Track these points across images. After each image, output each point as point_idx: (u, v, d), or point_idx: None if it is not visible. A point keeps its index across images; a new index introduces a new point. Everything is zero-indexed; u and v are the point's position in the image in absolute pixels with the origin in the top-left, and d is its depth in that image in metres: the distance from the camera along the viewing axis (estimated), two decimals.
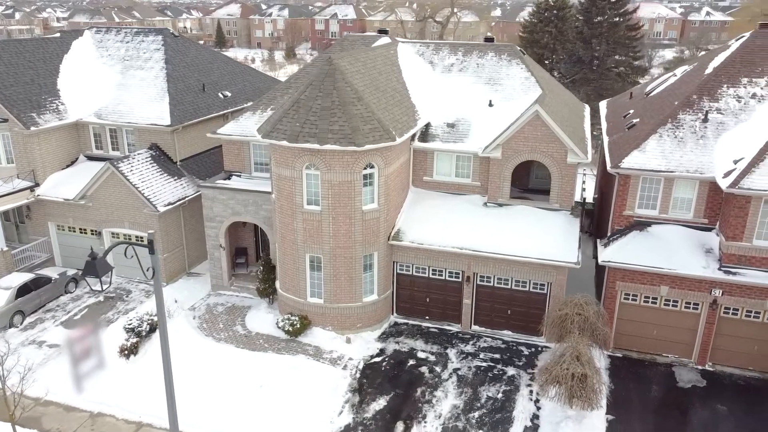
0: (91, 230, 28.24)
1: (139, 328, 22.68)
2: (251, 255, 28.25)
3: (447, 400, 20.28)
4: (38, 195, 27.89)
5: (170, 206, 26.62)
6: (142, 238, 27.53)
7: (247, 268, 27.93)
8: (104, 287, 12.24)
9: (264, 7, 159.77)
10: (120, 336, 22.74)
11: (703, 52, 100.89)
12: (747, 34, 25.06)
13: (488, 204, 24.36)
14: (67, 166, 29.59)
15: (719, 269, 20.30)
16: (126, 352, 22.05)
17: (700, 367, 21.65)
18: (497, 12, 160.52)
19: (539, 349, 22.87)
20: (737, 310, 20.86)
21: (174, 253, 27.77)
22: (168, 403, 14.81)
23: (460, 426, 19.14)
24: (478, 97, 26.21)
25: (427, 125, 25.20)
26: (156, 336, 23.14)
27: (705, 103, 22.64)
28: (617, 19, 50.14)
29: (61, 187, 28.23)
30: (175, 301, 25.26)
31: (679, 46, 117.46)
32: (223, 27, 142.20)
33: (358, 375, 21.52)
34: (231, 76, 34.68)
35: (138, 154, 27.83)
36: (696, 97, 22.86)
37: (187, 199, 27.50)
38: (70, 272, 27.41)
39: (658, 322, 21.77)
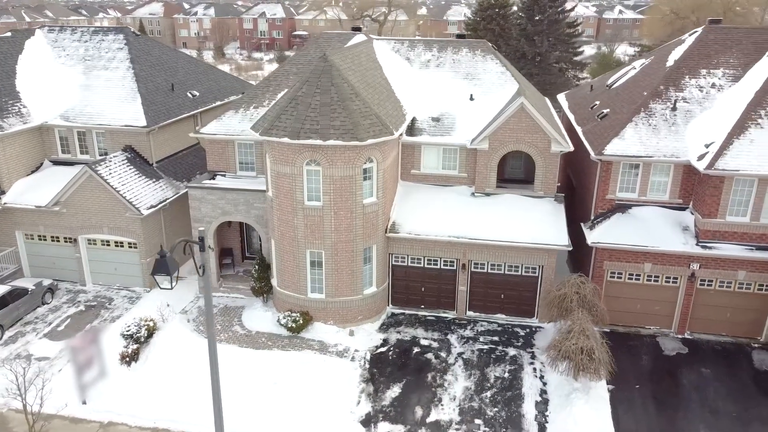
0: (65, 238, 27.06)
1: (138, 334, 22.11)
2: (237, 255, 27.98)
3: (458, 383, 21.07)
4: (5, 203, 26.44)
5: (153, 209, 25.97)
6: (122, 243, 26.71)
7: (234, 268, 27.66)
8: (173, 285, 12.08)
9: (187, 6, 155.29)
10: (117, 343, 22.10)
11: (619, 45, 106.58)
12: (699, 30, 27.25)
13: (476, 194, 25.33)
14: (32, 172, 28.22)
15: (697, 245, 22.16)
16: (127, 359, 21.47)
17: (680, 336, 23.51)
18: (423, 11, 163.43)
19: (533, 329, 24.08)
20: (711, 281, 22.83)
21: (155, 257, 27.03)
22: (215, 410, 14.66)
23: (476, 406, 19.99)
24: (458, 91, 27.15)
25: (413, 120, 25.88)
26: (155, 341, 22.66)
27: (672, 93, 24.55)
28: (557, 16, 52.64)
29: (29, 193, 26.91)
30: (168, 305, 24.68)
31: (596, 42, 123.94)
32: (146, 27, 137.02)
33: (367, 365, 21.94)
34: (196, 76, 34.02)
35: (114, 156, 26.92)
36: (663, 88, 24.73)
37: (168, 201, 26.90)
38: (46, 282, 26.18)
39: (641, 296, 23.46)
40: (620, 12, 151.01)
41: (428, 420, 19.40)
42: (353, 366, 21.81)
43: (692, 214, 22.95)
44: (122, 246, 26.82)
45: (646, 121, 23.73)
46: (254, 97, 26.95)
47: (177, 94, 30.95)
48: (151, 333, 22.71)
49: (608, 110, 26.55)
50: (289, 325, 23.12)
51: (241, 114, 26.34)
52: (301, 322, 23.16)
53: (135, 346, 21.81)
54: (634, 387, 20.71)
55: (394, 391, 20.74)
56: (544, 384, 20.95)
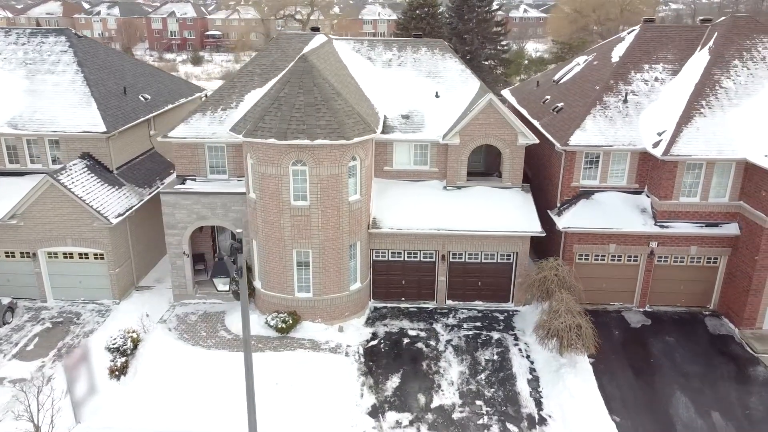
0: (22, 252, 25.54)
1: (124, 347, 21.42)
2: (209, 260, 27.47)
3: (452, 369, 21.98)
4: None
5: (121, 217, 25.06)
6: (86, 255, 25.56)
7: (207, 273, 27.14)
8: (230, 287, 12.08)
9: (87, 5, 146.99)
10: (102, 357, 21.28)
11: (527, 43, 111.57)
12: (637, 28, 29.61)
13: (447, 187, 26.33)
14: None
15: (655, 224, 24.26)
16: (116, 373, 20.75)
17: (641, 310, 25.61)
18: (336, 9, 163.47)
19: (511, 313, 25.42)
20: (667, 257, 25.05)
21: (123, 267, 26.16)
22: (249, 414, 14.70)
23: (474, 388, 20.97)
24: (422, 89, 28.01)
25: (384, 117, 26.48)
26: (141, 353, 22.05)
27: (621, 87, 26.61)
28: (486, 15, 54.85)
29: None
30: (147, 315, 24.01)
31: (506, 40, 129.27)
32: (44, 27, 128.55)
33: (362, 359, 22.39)
34: (143, 78, 32.88)
35: (74, 164, 25.70)
36: (613, 82, 26.75)
37: (134, 208, 26.03)
38: (5, 300, 24.60)
39: (606, 275, 25.34)
40: (525, 11, 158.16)
41: (432, 405, 20.17)
42: (349, 361, 22.19)
43: (648, 196, 25.08)
44: (87, 258, 25.67)
45: (602, 113, 25.62)
46: (220, 99, 26.56)
47: (130, 98, 29.86)
48: (135, 345, 22.04)
49: (562, 104, 28.33)
50: (279, 326, 23.13)
51: (209, 116, 25.90)
52: (291, 321, 23.24)
53: (123, 359, 21.11)
54: (611, 358, 22.42)
55: (394, 381, 21.35)
56: (532, 363, 22.26)
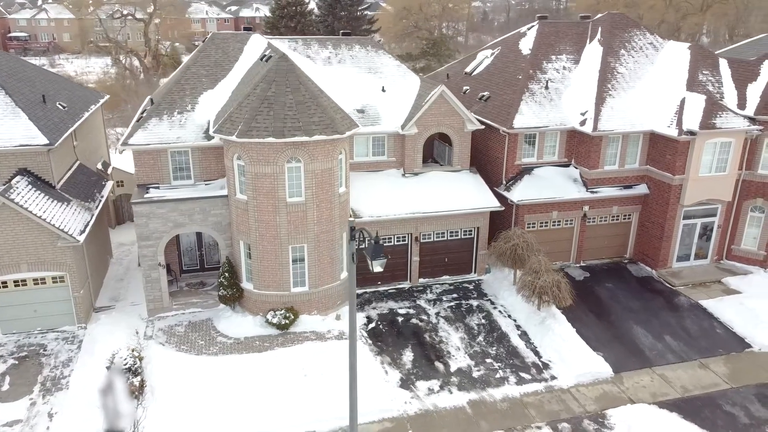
0: None
1: (135, 366, 20.32)
2: (176, 270, 26.40)
3: (452, 336, 24.09)
4: None
5: (83, 234, 23.26)
6: (43, 279, 23.30)
7: (177, 284, 26.16)
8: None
9: None
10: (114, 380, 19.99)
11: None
12: (535, 24, 33.86)
13: (406, 174, 28.21)
14: None
15: (587, 191, 28.51)
16: (135, 393, 19.68)
17: (578, 265, 29.89)
18: (150, 9, 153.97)
19: (477, 282, 28.18)
20: (595, 218, 29.55)
21: (85, 289, 24.26)
22: (351, 407, 15.45)
23: (478, 350, 23.32)
24: (368, 84, 29.41)
25: None
26: (149, 370, 21.11)
27: (540, 76, 30.52)
28: (357, 13, 57.10)
29: None
30: (137, 333, 22.73)
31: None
32: None
33: (369, 341, 23.58)
34: (50, 85, 29.97)
35: (17, 182, 23.16)
36: (532, 72, 30.58)
37: (90, 224, 24.22)
38: None
39: (550, 239, 29.13)
40: None
41: (452, 370, 22.12)
42: (359, 344, 23.20)
43: (576, 168, 29.30)
44: (44, 283, 23.39)
45: (531, 99, 29.26)
46: (173, 103, 25.60)
47: (50, 107, 27.27)
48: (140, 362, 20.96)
49: (488, 93, 31.62)
50: (282, 323, 23.37)
51: (167, 121, 24.93)
52: (292, 317, 23.60)
53: (138, 379, 20.04)
54: (573, 308, 25.89)
55: (408, 356, 22.89)
56: (515, 321, 25.18)
